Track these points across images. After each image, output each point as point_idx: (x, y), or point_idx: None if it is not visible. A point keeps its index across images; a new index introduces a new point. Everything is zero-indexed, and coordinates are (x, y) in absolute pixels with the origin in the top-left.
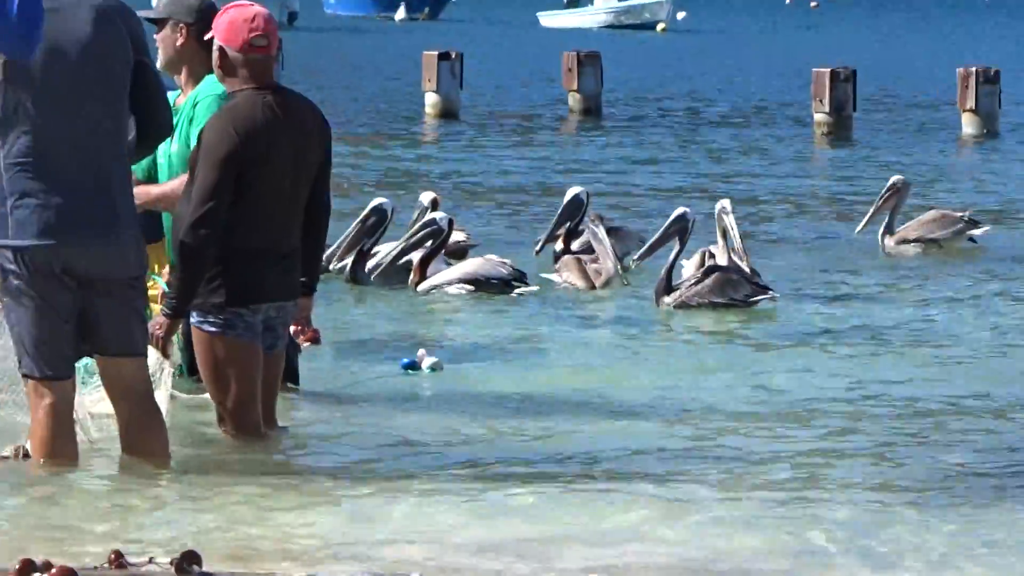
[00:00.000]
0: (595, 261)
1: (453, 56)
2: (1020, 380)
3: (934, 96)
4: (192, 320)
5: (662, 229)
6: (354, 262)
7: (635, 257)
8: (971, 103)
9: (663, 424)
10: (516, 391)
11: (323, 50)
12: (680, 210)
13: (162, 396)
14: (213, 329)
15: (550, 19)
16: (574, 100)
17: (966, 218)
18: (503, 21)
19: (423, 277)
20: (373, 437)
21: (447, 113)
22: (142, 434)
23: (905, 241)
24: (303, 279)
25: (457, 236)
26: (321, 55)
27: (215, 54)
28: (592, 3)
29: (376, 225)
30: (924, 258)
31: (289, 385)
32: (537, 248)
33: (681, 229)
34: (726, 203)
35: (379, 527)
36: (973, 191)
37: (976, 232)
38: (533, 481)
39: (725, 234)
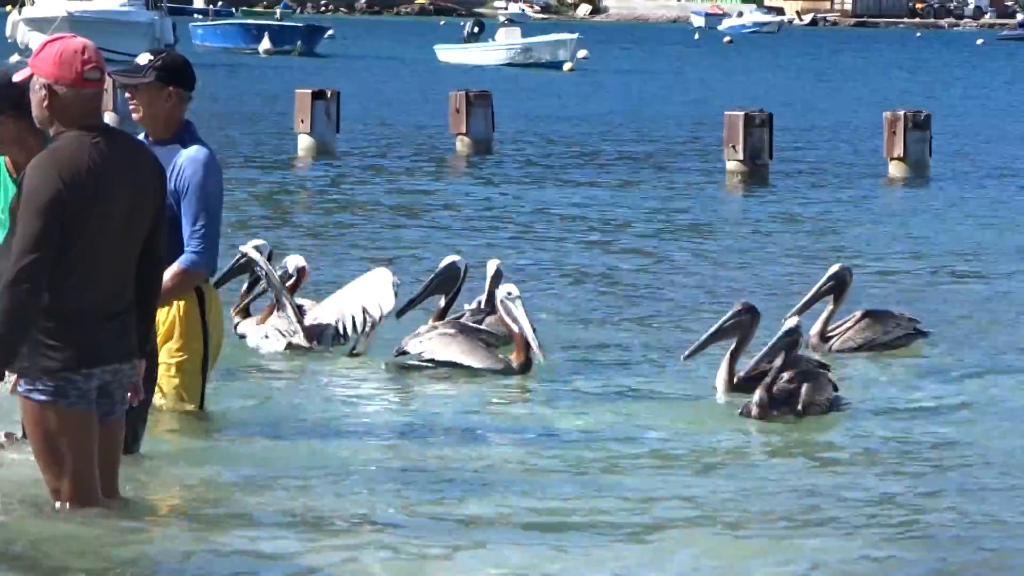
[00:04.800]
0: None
1: (329, 95)
2: None
3: (859, 142)
4: (20, 388)
5: (721, 322)
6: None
7: (685, 354)
8: (899, 150)
9: None
10: None
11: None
12: (739, 305)
13: None
14: (43, 398)
15: (448, 54)
16: (462, 144)
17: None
18: (396, 57)
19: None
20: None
21: (321, 157)
22: None
23: (842, 350)
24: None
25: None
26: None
27: (41, 94)
28: (493, 39)
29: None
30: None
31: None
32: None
33: (740, 323)
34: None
35: None
36: (907, 256)
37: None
38: None
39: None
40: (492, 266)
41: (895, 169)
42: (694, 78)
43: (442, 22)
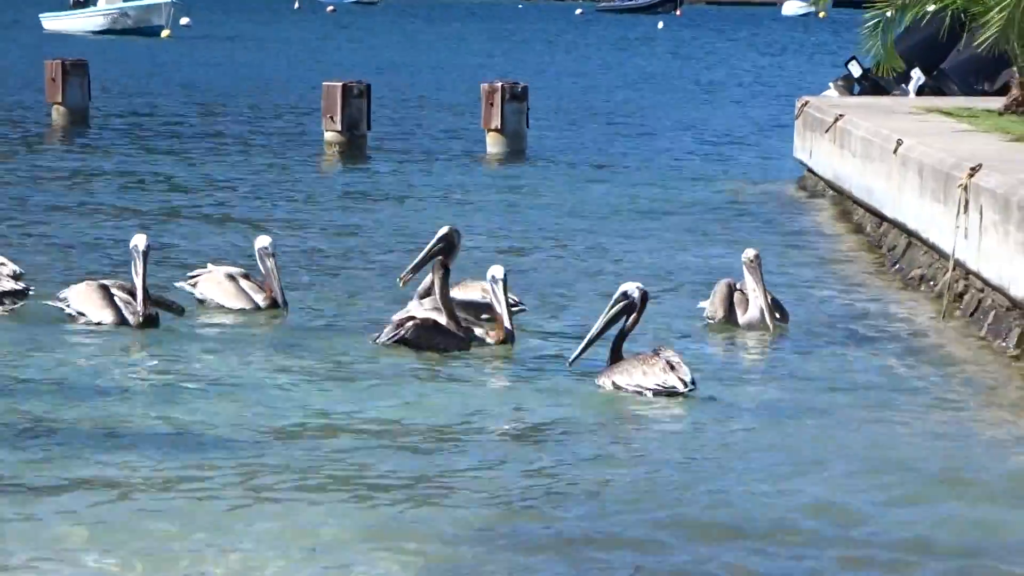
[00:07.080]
0: None
1: None
2: None
3: (457, 113)
4: None
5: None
6: None
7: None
8: (496, 122)
9: None
10: None
11: None
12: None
13: None
14: None
15: (53, 22)
16: (58, 114)
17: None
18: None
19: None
20: None
21: None
22: None
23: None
24: None
25: None
26: None
27: None
28: (96, 4)
29: None
30: None
31: None
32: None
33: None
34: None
35: None
36: (503, 222)
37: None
38: None
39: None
40: (142, 241)
41: (492, 140)
42: (295, 47)
43: None
